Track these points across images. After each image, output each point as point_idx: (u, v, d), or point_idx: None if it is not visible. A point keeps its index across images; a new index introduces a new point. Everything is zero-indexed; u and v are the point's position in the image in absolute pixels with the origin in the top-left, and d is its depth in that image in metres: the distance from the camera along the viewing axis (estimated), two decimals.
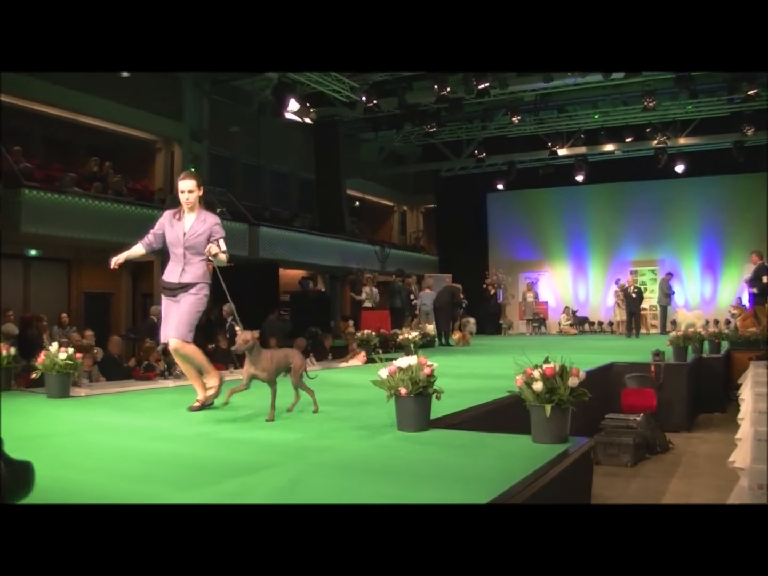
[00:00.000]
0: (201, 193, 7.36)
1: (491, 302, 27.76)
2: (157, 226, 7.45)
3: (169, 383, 10.87)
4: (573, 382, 5.15)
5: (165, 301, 7.41)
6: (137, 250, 7.51)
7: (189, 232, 7.26)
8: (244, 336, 6.69)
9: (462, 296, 21.76)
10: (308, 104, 22.54)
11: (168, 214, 7.43)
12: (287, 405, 7.13)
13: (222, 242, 7.25)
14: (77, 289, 21.51)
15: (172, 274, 7.31)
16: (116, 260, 7.44)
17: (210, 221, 7.33)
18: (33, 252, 19.71)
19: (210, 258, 7.20)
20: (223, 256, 7.20)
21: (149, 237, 7.49)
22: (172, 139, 23.69)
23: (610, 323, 26.65)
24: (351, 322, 19.82)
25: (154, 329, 15.25)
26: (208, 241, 7.19)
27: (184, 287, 7.27)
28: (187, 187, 7.25)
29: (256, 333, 6.80)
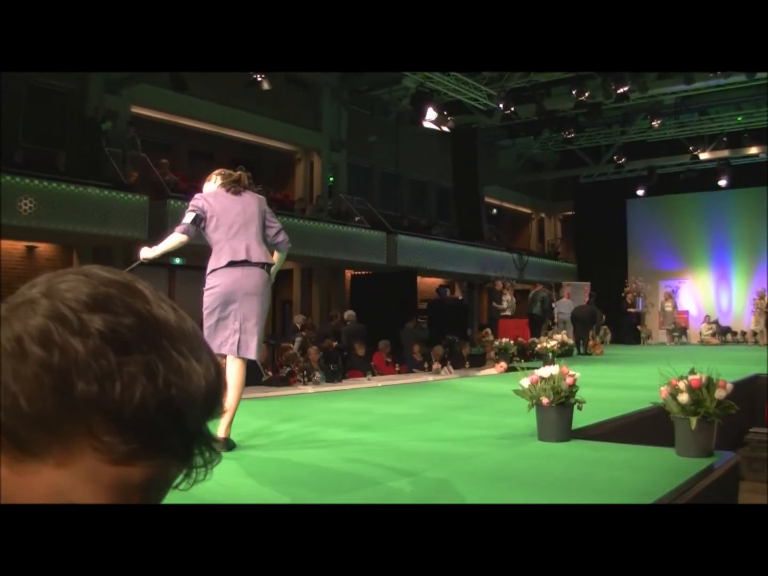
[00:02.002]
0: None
1: (631, 311, 27.25)
2: None
3: (309, 389, 11.06)
4: (720, 394, 5.05)
5: None
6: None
7: None
8: None
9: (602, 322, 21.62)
10: (446, 112, 22.59)
11: None
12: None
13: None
14: None
15: None
16: None
17: None
18: (177, 260, 20.32)
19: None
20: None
21: None
22: (312, 150, 24.11)
23: (754, 333, 25.86)
24: (488, 330, 19.78)
25: (295, 335, 15.59)
26: None
27: None
28: None
29: None
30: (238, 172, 5.90)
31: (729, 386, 5.12)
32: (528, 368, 6.08)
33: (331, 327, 17.95)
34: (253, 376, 12.54)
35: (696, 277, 31.49)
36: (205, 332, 5.41)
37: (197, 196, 5.79)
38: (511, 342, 15.09)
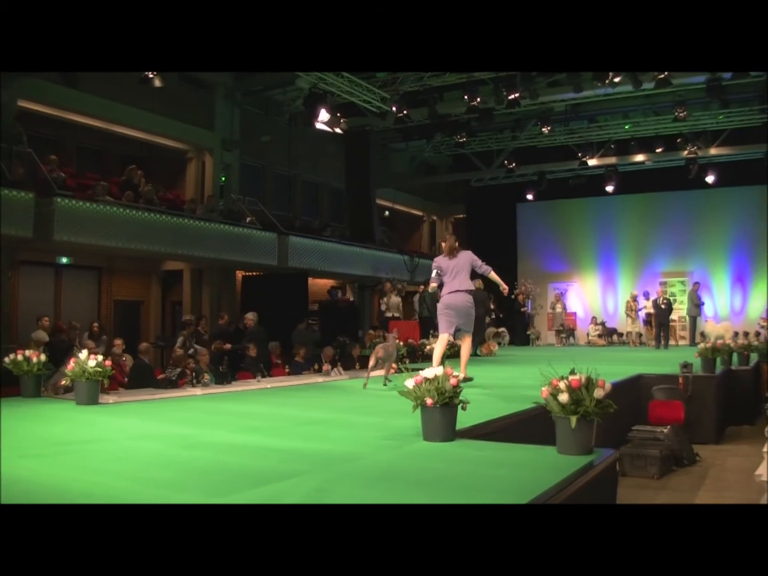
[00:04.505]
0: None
1: (524, 310, 27.64)
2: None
3: (197, 391, 10.94)
4: (599, 393, 5.17)
5: None
6: None
7: None
8: None
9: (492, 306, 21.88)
10: (339, 114, 22.60)
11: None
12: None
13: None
14: (108, 297, 21.67)
15: None
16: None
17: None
18: (65, 260, 19.88)
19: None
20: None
21: None
22: (204, 149, 23.82)
23: (639, 334, 26.49)
24: (381, 332, 19.84)
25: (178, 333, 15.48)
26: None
27: None
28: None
29: None
30: (451, 243, 10.86)
31: (607, 386, 5.24)
32: (414, 369, 6.12)
33: (219, 328, 17.77)
34: (147, 377, 12.37)
35: (583, 280, 32.13)
36: (439, 321, 10.79)
37: (436, 259, 10.89)
38: (401, 344, 15.14)
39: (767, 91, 22.44)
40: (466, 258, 10.73)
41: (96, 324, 17.63)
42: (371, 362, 11.18)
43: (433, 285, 10.82)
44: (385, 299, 21.91)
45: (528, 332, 28.26)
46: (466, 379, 9.90)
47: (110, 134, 21.71)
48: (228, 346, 15.30)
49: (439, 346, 10.76)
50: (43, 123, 19.88)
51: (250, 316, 17.25)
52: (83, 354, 8.71)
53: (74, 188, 18.20)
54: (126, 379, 12.30)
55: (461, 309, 10.61)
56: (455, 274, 10.64)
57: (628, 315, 26.57)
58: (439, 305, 10.80)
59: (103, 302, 21.59)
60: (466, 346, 10.95)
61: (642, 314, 26.01)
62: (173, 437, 6.47)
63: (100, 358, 8.74)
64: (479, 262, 10.81)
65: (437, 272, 10.71)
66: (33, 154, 17.73)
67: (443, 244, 11.14)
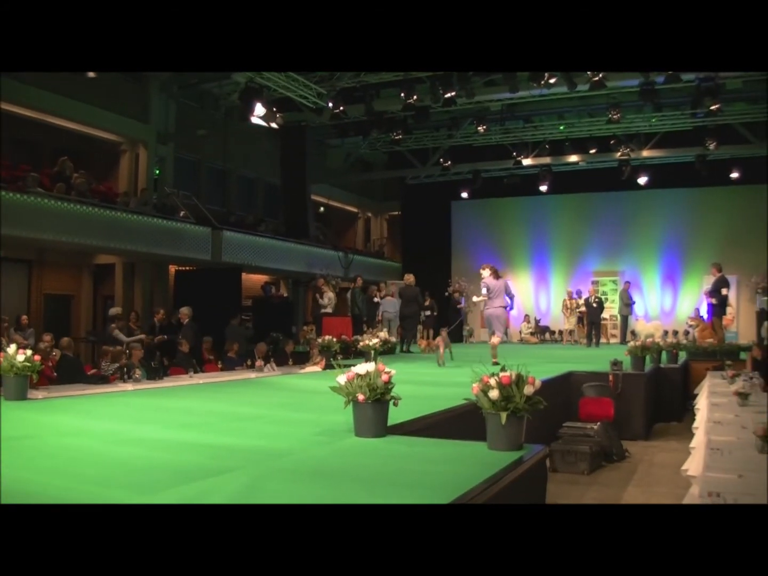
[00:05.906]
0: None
1: (459, 310, 27.68)
2: None
3: (128, 387, 10.80)
4: (529, 390, 5.22)
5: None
6: None
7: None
8: None
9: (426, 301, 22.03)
10: (275, 109, 22.45)
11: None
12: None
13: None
14: (38, 290, 21.32)
15: None
16: None
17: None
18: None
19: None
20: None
21: None
22: (138, 141, 23.52)
23: (571, 332, 26.81)
24: (313, 327, 19.81)
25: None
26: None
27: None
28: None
29: None
30: (491, 269, 14.53)
31: (537, 383, 5.30)
32: (347, 366, 6.12)
33: (151, 323, 17.60)
34: (75, 371, 12.20)
35: (517, 278, 32.28)
36: (491, 323, 14.58)
37: (485, 280, 14.31)
38: (334, 340, 15.14)
39: (698, 96, 22.80)
40: (503, 283, 14.59)
41: (24, 316, 17.33)
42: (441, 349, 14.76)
43: (483, 298, 14.29)
44: (329, 294, 21.78)
45: (462, 329, 28.38)
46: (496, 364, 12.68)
47: (43, 125, 21.32)
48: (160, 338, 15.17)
49: (496, 342, 14.41)
50: None
51: (185, 311, 17.06)
52: (12, 348, 8.57)
53: (5, 179, 17.85)
54: (55, 374, 12.12)
55: (497, 317, 14.37)
56: (497, 294, 14.26)
57: (564, 313, 26.87)
58: (486, 315, 14.76)
59: (33, 296, 21.24)
60: (495, 337, 14.49)
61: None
62: (104, 433, 6.41)
63: (29, 352, 8.60)
64: (510, 288, 15.03)
65: (485, 289, 14.23)
66: None
67: (487, 270, 14.52)
